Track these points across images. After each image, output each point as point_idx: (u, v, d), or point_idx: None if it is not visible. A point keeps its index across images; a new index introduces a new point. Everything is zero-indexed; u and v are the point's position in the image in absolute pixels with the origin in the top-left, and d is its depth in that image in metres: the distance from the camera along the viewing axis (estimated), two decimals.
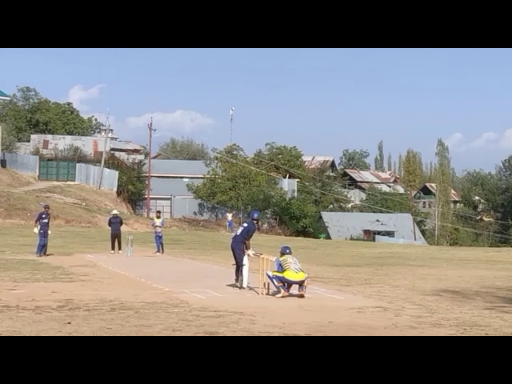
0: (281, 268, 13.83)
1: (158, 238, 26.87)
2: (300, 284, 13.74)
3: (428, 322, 10.88)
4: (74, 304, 12.04)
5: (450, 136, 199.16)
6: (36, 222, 24.04)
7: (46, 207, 24.84)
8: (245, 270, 14.63)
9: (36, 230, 23.57)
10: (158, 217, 27.90)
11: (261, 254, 14.69)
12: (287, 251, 14.22)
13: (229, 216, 53.04)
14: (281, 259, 14.05)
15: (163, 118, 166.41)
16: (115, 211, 28.73)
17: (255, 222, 15.17)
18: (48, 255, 23.20)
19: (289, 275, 13.68)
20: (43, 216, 23.62)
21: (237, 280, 14.90)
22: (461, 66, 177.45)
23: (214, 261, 23.33)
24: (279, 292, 13.73)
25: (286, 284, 13.76)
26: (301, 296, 13.59)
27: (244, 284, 14.63)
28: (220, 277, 17.12)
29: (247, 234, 14.83)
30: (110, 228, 26.80)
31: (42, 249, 23.21)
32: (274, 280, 13.78)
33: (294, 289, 13.85)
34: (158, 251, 26.59)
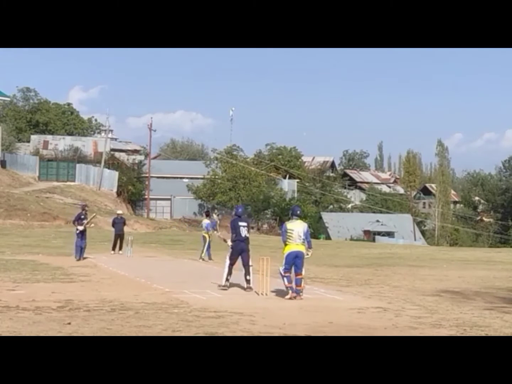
0: (285, 235, 13.43)
1: (204, 242, 24.58)
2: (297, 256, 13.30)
3: (428, 323, 10.87)
4: (74, 304, 12.02)
5: (450, 136, 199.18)
6: (74, 222, 22.32)
7: (85, 206, 23.47)
8: (250, 270, 14.56)
9: (81, 228, 21.66)
10: (208, 215, 25.90)
11: (225, 241, 14.86)
12: (298, 212, 13.63)
13: (216, 217, 52.51)
14: (288, 227, 13.48)
15: (163, 118, 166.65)
16: (119, 211, 28.75)
17: (237, 217, 14.79)
18: (85, 258, 22.01)
19: (290, 248, 13.34)
20: (82, 217, 21.93)
21: (248, 281, 14.72)
22: (462, 66, 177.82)
23: (214, 262, 23.31)
24: (287, 293, 13.51)
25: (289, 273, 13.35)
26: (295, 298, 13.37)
27: (250, 284, 14.46)
28: (220, 278, 17.08)
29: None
30: (113, 228, 26.74)
31: (82, 251, 21.81)
32: (285, 279, 13.48)
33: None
34: (210, 258, 24.32)
